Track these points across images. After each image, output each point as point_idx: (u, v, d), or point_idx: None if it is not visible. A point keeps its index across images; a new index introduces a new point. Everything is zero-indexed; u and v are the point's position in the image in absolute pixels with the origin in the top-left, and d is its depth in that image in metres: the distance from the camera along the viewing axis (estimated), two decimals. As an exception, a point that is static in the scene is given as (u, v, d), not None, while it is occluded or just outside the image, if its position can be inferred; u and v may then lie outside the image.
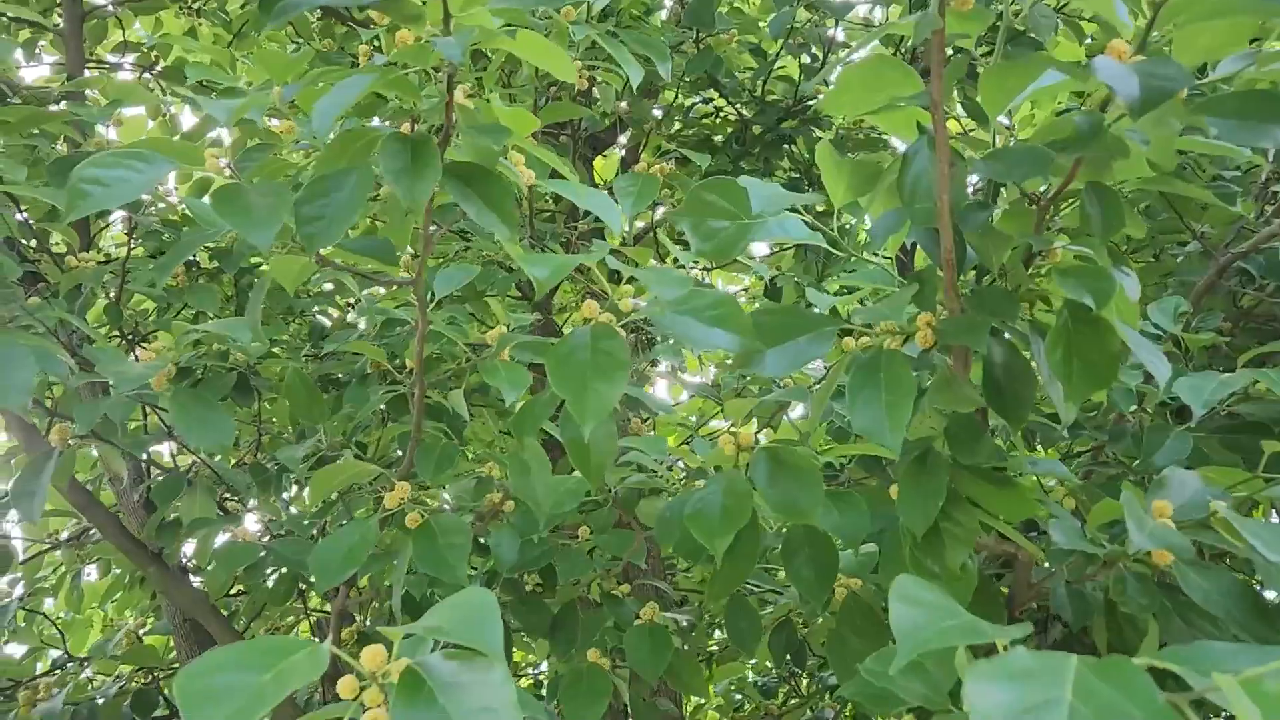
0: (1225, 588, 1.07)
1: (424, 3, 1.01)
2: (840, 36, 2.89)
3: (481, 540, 1.58)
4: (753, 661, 3.11)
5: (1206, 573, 1.07)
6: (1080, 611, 1.24)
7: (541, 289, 1.03)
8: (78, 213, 0.99)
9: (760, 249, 3.25)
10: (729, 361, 1.12)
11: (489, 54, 1.85)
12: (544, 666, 3.68)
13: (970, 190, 1.28)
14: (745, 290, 3.70)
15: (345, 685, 0.81)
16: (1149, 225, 2.49)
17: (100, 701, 1.77)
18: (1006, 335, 1.10)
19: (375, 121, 1.77)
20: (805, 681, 3.03)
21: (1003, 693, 0.61)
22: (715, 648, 3.13)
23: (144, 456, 1.93)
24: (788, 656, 1.92)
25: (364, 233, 2.16)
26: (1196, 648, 0.73)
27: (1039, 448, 2.03)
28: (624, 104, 2.74)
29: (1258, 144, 1.02)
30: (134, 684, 1.93)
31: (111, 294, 1.97)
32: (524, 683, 3.26)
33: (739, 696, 3.03)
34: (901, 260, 2.49)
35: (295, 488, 2.44)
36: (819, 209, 1.31)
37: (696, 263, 2.57)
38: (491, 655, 0.75)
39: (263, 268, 2.74)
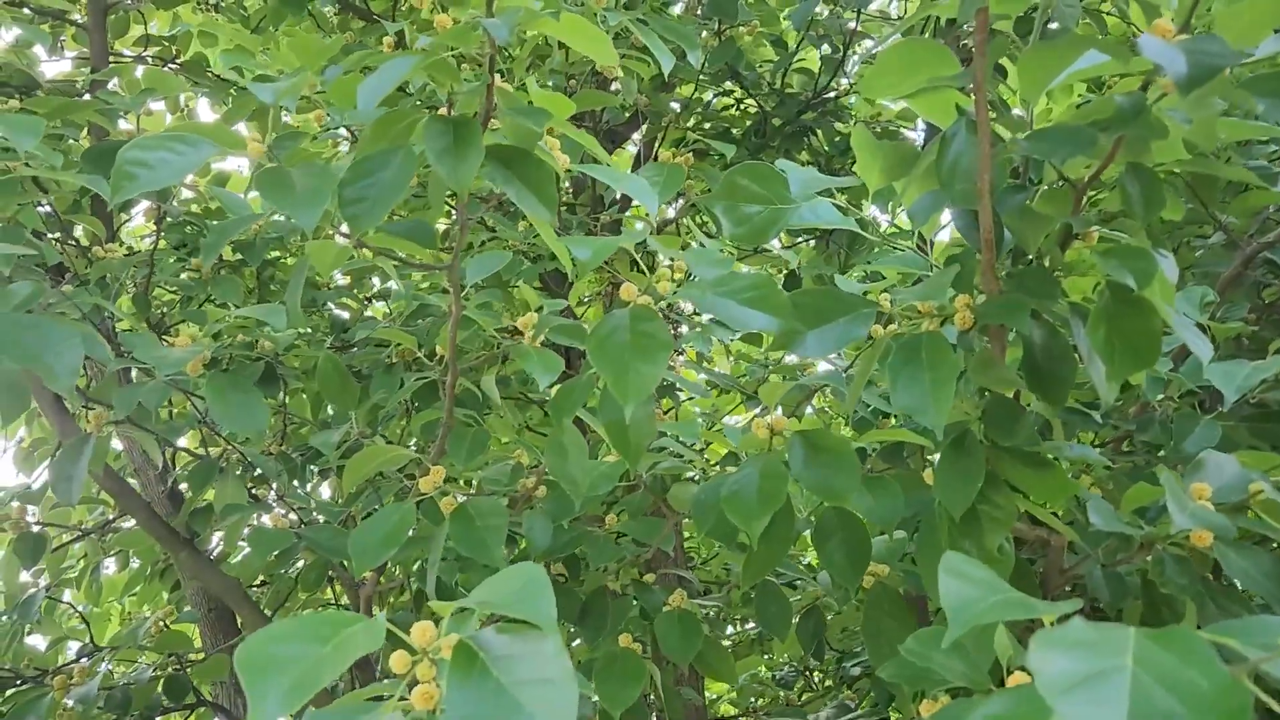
0: (1266, 568, 1.07)
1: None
2: (859, 29, 2.89)
3: (510, 528, 1.58)
4: (766, 656, 3.11)
5: (1246, 552, 1.07)
6: (1117, 593, 1.24)
7: (584, 270, 1.03)
8: (124, 194, 1.00)
9: (775, 241, 3.25)
10: (771, 341, 1.12)
11: (519, 44, 1.86)
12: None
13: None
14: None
15: (397, 660, 0.81)
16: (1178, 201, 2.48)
17: (133, 688, 1.78)
18: (1046, 317, 1.10)
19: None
20: (819, 676, 3.03)
21: (1066, 660, 0.61)
22: (727, 643, 3.14)
23: (170, 446, 1.94)
24: (810, 648, 1.93)
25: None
26: (1249, 622, 0.73)
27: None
28: (643, 97, 2.74)
29: (1299, 124, 1.02)
30: (163, 670, 1.94)
31: (138, 284, 1.98)
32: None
33: (758, 687, 3.04)
34: (920, 250, 2.48)
35: (316, 477, 2.45)
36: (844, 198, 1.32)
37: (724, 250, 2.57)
38: (545, 627, 0.75)
39: (282, 260, 2.76)
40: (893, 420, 1.74)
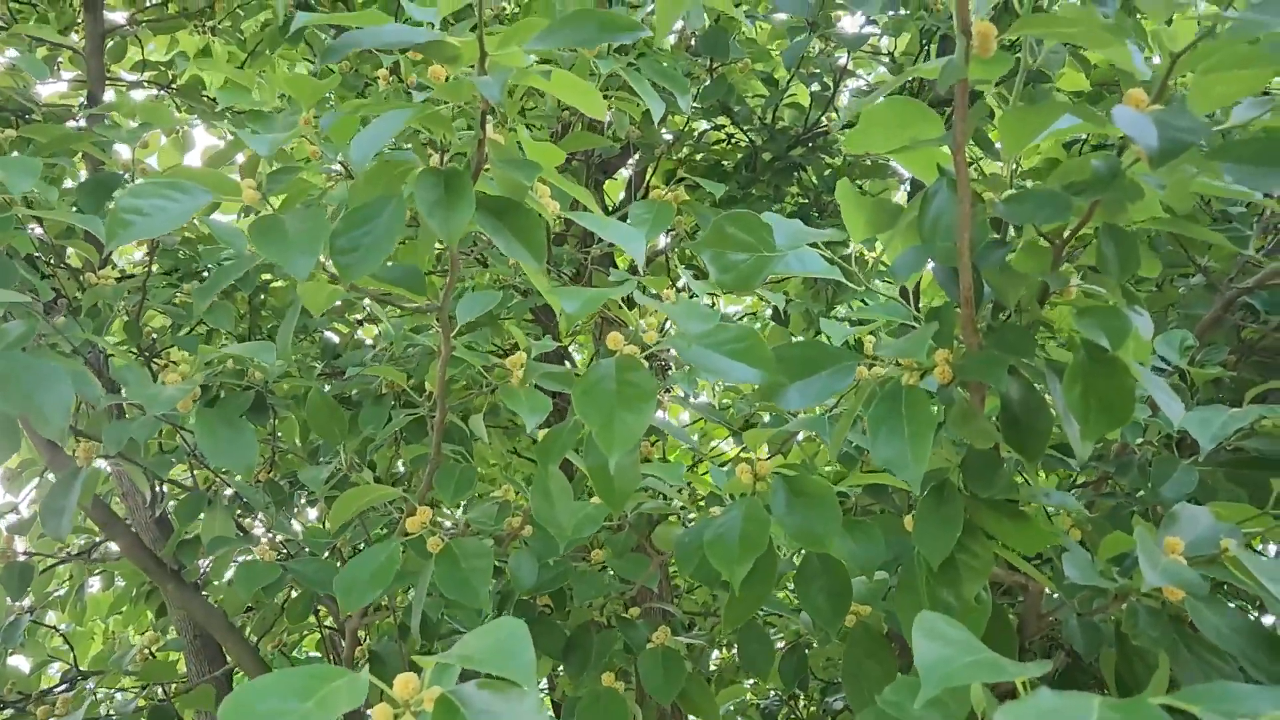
0: (1237, 625, 1.09)
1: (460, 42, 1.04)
2: (850, 64, 2.93)
3: (495, 563, 1.60)
4: (750, 683, 3.12)
5: (1219, 609, 1.09)
6: (1092, 643, 1.26)
7: (569, 323, 1.05)
8: (119, 241, 1.02)
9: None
10: (751, 392, 1.14)
11: (511, 93, 1.88)
12: (542, 684, 3.69)
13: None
14: (751, 315, 3.73)
15: (380, 714, 0.82)
16: (1154, 257, 2.52)
17: (115, 718, 1.79)
18: (1023, 372, 1.13)
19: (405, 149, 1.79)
20: (803, 703, 3.04)
21: (1031, 731, 0.63)
22: (714, 668, 3.14)
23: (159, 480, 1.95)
24: (792, 685, 1.94)
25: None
26: (1214, 688, 0.74)
27: (1042, 473, 2.06)
28: (634, 129, 2.77)
29: (1272, 189, 1.05)
30: (147, 700, 1.94)
31: (130, 311, 1.99)
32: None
33: (739, 719, 3.04)
34: (904, 292, 2.51)
35: (304, 503, 2.45)
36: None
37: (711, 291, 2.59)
38: (524, 684, 0.76)
39: (275, 284, 2.77)
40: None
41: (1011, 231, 1.29)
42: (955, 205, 1.08)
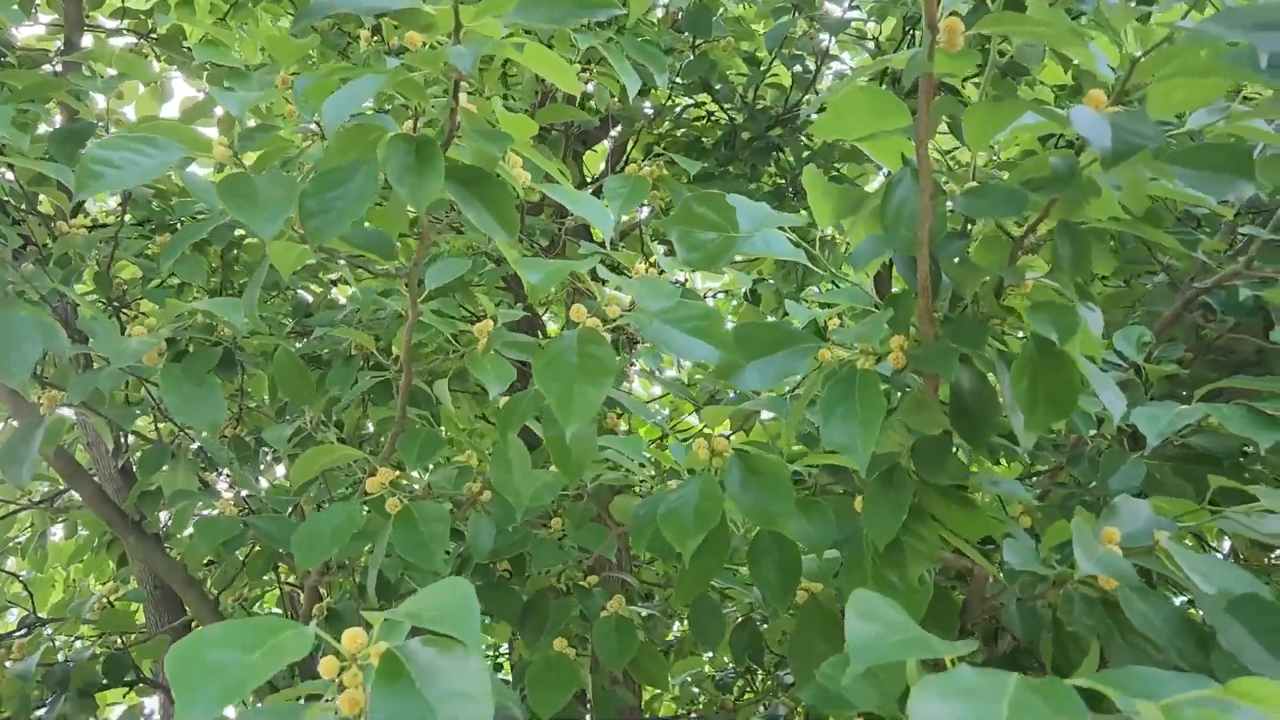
0: (1166, 615, 1.12)
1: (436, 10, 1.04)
2: (833, 47, 2.94)
3: (456, 527, 1.62)
4: (709, 655, 3.17)
5: (1149, 599, 1.13)
6: (1030, 628, 1.30)
7: (534, 294, 1.07)
8: (88, 192, 1.03)
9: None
10: (710, 371, 1.16)
11: (487, 63, 1.88)
12: (504, 648, 3.74)
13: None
14: (726, 293, 3.75)
15: (326, 665, 0.84)
16: (1119, 255, 2.56)
17: (72, 665, 1.80)
18: (975, 363, 1.15)
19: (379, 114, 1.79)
20: (760, 676, 3.09)
21: (945, 706, 0.66)
22: (672, 639, 3.19)
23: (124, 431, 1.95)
24: (743, 659, 1.98)
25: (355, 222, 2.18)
26: (1131, 672, 0.78)
27: (1003, 461, 2.09)
28: (615, 101, 2.78)
29: (1223, 196, 1.08)
30: (104, 648, 1.95)
31: (100, 262, 1.99)
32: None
33: (696, 690, 3.09)
34: (880, 277, 2.54)
35: (270, 459, 2.46)
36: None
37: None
38: (468, 643, 0.79)
39: (249, 240, 2.76)
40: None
41: (980, 225, 1.31)
42: (917, 195, 1.10)
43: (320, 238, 1.05)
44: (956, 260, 1.21)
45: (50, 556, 3.28)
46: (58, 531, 3.16)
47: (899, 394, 1.28)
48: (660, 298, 1.10)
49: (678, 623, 3.12)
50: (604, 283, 1.17)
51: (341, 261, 1.27)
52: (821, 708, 1.13)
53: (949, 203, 1.15)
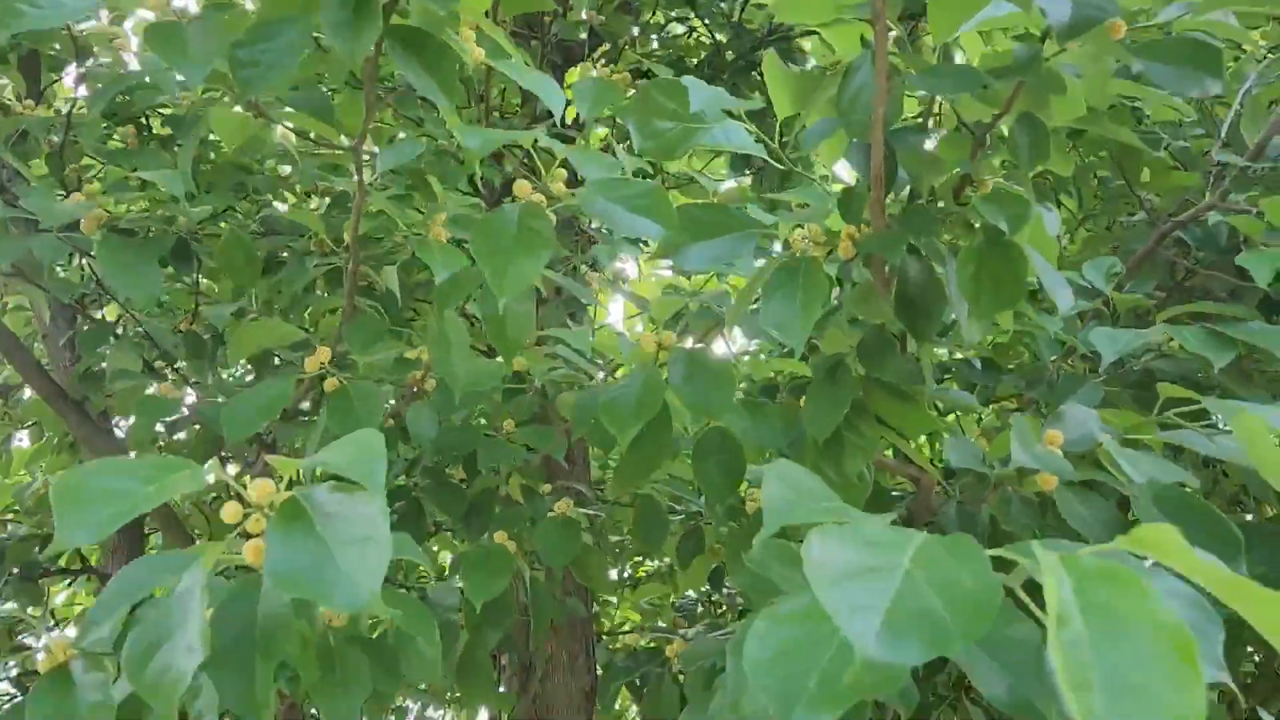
0: (1103, 517, 1.11)
1: None
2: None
3: (405, 425, 1.59)
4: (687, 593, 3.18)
5: (1087, 499, 1.12)
6: (966, 527, 1.29)
7: (471, 159, 1.04)
8: (8, 30, 0.98)
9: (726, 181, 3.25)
10: (659, 249, 1.13)
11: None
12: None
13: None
14: (727, 294, 3.70)
15: (228, 510, 0.82)
16: (1102, 194, 2.53)
17: (8, 541, 1.78)
18: (923, 253, 1.13)
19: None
20: (724, 609, 3.11)
21: (845, 553, 0.63)
22: (641, 574, 3.20)
23: (77, 311, 1.91)
24: (708, 581, 1.99)
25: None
26: (1045, 542, 0.76)
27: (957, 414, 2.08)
28: (600, 15, 2.71)
29: (1190, 93, 1.04)
30: (40, 532, 1.93)
31: (54, 146, 1.93)
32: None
33: (652, 607, 3.11)
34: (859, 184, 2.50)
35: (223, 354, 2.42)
36: (773, 130, 1.32)
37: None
38: (372, 489, 0.77)
39: (220, 147, 2.70)
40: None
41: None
42: (874, 79, 1.06)
43: (250, 89, 1.01)
44: (914, 154, 1.18)
45: (15, 462, 3.25)
46: (24, 438, 3.13)
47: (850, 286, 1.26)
48: (601, 167, 1.06)
49: (650, 561, 3.13)
50: (551, 154, 1.14)
51: (284, 129, 1.23)
52: (753, 594, 1.12)
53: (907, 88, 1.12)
